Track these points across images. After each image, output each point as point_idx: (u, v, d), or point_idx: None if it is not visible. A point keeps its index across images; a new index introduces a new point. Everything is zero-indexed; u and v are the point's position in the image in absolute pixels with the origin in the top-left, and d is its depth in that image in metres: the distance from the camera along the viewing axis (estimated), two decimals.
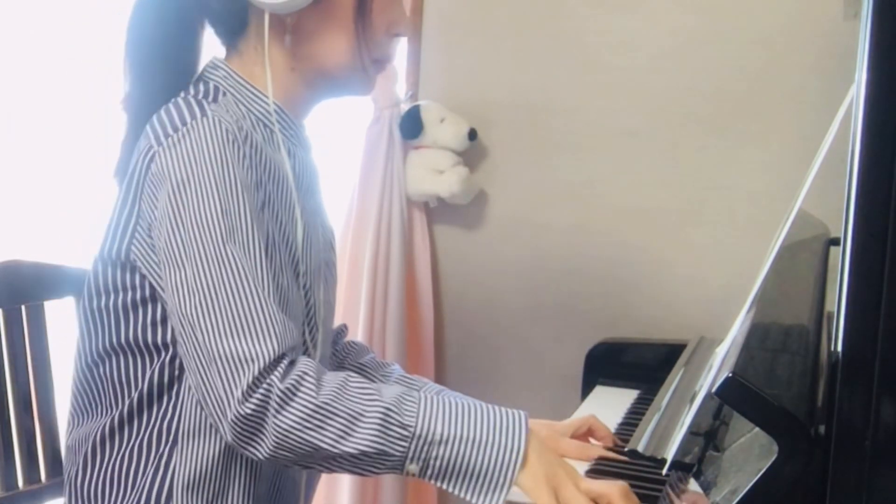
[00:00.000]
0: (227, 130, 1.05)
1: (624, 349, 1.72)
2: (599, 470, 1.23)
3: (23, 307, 1.44)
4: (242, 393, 0.98)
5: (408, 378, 1.37)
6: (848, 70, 1.02)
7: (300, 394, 0.99)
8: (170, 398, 1.13)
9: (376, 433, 0.99)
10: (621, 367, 1.70)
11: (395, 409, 1.00)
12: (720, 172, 2.02)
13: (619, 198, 2.11)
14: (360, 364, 1.40)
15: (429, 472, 1.01)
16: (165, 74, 1.17)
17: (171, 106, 1.10)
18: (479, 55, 2.19)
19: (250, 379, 0.98)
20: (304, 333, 1.17)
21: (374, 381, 1.34)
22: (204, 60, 1.21)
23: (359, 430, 0.99)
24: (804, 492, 0.90)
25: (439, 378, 2.30)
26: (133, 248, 1.10)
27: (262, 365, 0.98)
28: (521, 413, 1.04)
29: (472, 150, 2.20)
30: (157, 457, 1.13)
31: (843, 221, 0.87)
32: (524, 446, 1.01)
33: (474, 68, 2.21)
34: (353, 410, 0.99)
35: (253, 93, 1.17)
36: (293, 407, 0.98)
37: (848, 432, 0.86)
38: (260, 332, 1.00)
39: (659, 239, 2.08)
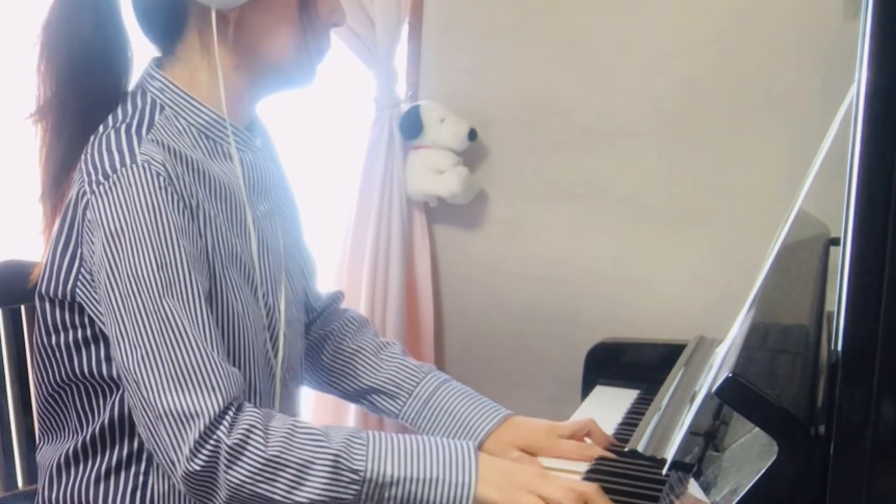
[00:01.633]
0: (157, 175, 1.02)
1: (624, 349, 1.72)
2: (599, 470, 1.23)
3: (23, 307, 1.44)
4: (190, 450, 0.98)
5: (408, 364, 1.33)
6: (848, 70, 1.02)
7: (249, 448, 0.99)
8: (132, 426, 1.10)
9: (327, 481, 0.99)
10: (621, 367, 1.70)
11: (345, 455, 1.00)
12: (720, 172, 2.02)
13: (619, 198, 2.11)
14: (357, 347, 1.36)
15: None
16: (91, 79, 1.12)
17: (103, 142, 1.06)
18: (479, 55, 2.19)
19: (196, 435, 0.98)
20: (265, 341, 1.16)
21: (366, 368, 1.33)
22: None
23: (310, 479, 0.99)
24: (804, 492, 0.90)
25: None
26: (78, 290, 1.08)
27: (207, 420, 0.98)
28: (470, 446, 1.05)
29: (472, 150, 2.20)
30: (133, 476, 1.12)
31: (843, 221, 0.87)
32: (474, 480, 1.02)
33: (474, 68, 2.21)
34: (303, 459, 0.99)
35: (193, 104, 1.13)
36: (243, 462, 0.98)
37: (848, 432, 0.86)
38: (203, 386, 0.99)
39: (659, 239, 2.08)
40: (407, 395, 1.30)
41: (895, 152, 0.82)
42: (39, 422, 1.21)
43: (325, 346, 1.37)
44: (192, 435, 0.98)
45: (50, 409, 1.17)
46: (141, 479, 1.12)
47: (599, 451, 1.25)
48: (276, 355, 1.18)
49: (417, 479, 1.01)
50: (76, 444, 1.14)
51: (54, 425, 1.18)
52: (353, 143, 2.25)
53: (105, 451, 1.13)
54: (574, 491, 1.03)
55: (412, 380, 1.31)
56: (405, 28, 2.19)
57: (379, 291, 2.20)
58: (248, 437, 0.99)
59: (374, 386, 1.33)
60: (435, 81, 2.24)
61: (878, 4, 0.81)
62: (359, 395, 1.35)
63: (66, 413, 1.16)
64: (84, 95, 1.12)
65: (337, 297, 1.43)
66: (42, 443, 1.21)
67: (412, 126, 2.17)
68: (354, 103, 2.30)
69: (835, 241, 1.55)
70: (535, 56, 2.14)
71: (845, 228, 0.86)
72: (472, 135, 2.16)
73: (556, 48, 2.12)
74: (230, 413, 1.00)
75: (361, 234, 2.22)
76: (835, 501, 0.87)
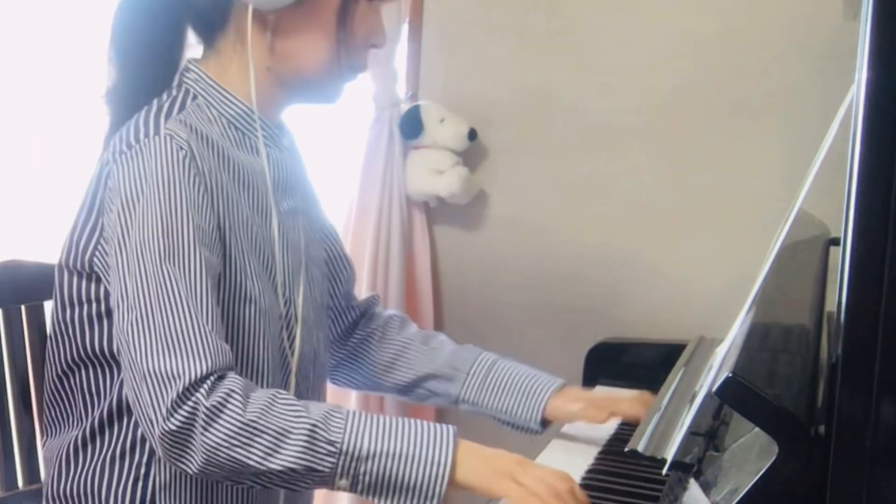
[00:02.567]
0: (178, 148, 1.06)
1: (624, 349, 1.72)
2: (599, 470, 1.23)
3: (23, 307, 1.44)
4: (167, 409, 0.99)
5: (458, 348, 1.40)
6: (848, 70, 1.02)
7: (227, 411, 0.99)
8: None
9: (303, 450, 1.00)
10: (621, 367, 1.70)
11: (322, 426, 1.01)
12: (720, 172, 2.02)
13: (619, 198, 2.11)
14: (406, 339, 1.42)
15: (359, 486, 1.02)
16: (151, 69, 1.17)
17: (132, 121, 1.11)
18: (479, 55, 2.19)
19: (174, 395, 0.99)
20: (281, 330, 1.17)
21: (419, 356, 1.40)
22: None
23: (286, 446, 1.00)
24: (804, 492, 0.90)
25: None
26: (95, 259, 1.11)
27: (187, 382, 0.99)
28: (451, 427, 1.05)
29: (472, 150, 2.20)
30: (135, 466, 1.14)
31: (843, 221, 0.87)
32: (451, 459, 1.02)
33: (474, 68, 2.21)
34: (280, 427, 1.00)
35: (224, 95, 1.17)
36: (220, 424, 0.99)
37: (848, 432, 0.86)
38: (189, 351, 1.00)
39: (659, 239, 2.08)
40: (466, 376, 1.36)
41: (895, 152, 0.82)
42: (46, 414, 1.22)
43: (371, 344, 1.41)
44: (171, 395, 0.99)
45: (57, 394, 1.19)
46: (143, 469, 1.13)
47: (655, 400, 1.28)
48: (290, 347, 1.19)
49: (393, 455, 1.02)
50: (82, 432, 1.15)
51: (60, 414, 1.19)
52: (353, 143, 2.25)
53: (109, 436, 1.14)
54: (551, 482, 1.04)
55: (467, 361, 1.38)
56: (405, 28, 2.19)
57: (379, 291, 2.20)
58: (227, 401, 1.00)
59: (430, 372, 1.38)
60: (435, 81, 2.24)
61: (878, 4, 0.81)
62: (414, 385, 1.39)
63: (72, 398, 1.17)
64: (148, 85, 1.16)
65: (374, 301, 1.48)
66: (46, 437, 1.22)
67: (412, 126, 2.17)
68: (354, 103, 2.29)
69: (835, 241, 1.55)
70: (535, 56, 2.14)
71: (845, 228, 0.86)
72: (472, 135, 2.16)
73: (556, 48, 2.12)
74: (212, 378, 1.01)
75: (361, 234, 2.22)
76: (835, 501, 0.87)
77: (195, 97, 1.15)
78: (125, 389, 1.07)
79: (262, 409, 1.00)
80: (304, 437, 1.00)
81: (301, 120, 2.26)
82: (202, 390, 1.00)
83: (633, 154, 2.08)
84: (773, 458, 0.90)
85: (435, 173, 2.17)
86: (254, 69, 1.15)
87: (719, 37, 1.98)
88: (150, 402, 1.00)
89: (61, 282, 1.15)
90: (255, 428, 1.00)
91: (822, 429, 0.92)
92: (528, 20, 2.13)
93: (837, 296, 0.91)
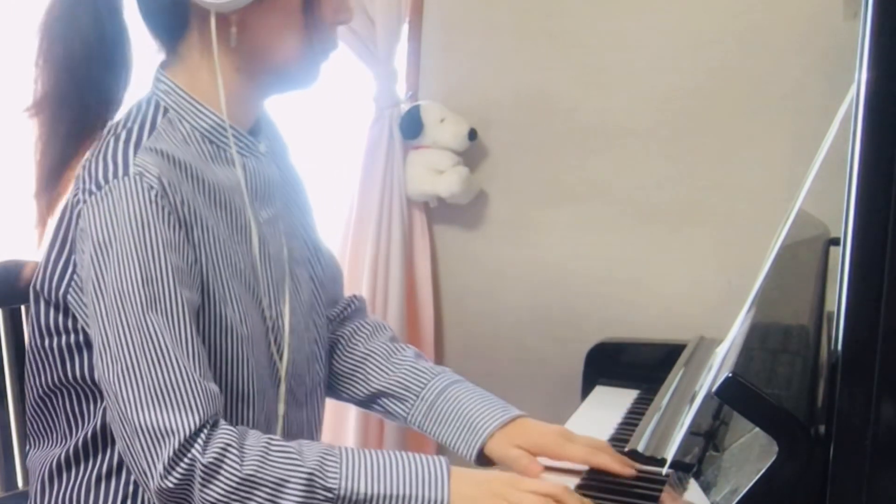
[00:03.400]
0: (148, 188, 1.02)
1: (624, 349, 1.72)
2: (598, 469, 1.23)
3: (23, 307, 1.44)
4: (164, 467, 0.98)
5: (419, 366, 1.31)
6: (848, 70, 1.02)
7: (224, 467, 0.99)
8: None
9: (302, 499, 1.00)
10: (621, 367, 1.70)
11: (319, 473, 1.00)
12: (720, 172, 2.02)
13: (619, 198, 2.11)
14: (368, 351, 1.35)
15: None
16: (94, 74, 1.11)
17: (102, 149, 1.06)
18: (479, 55, 2.19)
19: (170, 453, 0.98)
20: (269, 347, 1.16)
21: (376, 371, 1.32)
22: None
23: (284, 497, 0.99)
24: (804, 492, 0.90)
25: None
26: (70, 297, 1.08)
27: (182, 438, 0.98)
28: (443, 461, 1.05)
29: (472, 150, 2.20)
30: (123, 485, 1.12)
31: (843, 221, 0.87)
32: (447, 495, 1.02)
33: (474, 68, 2.21)
34: (277, 478, 0.99)
35: (196, 107, 1.12)
36: (219, 481, 0.98)
37: (848, 432, 0.86)
38: (181, 404, 0.99)
39: (659, 239, 2.08)
40: (414, 398, 1.29)
41: (895, 152, 0.82)
42: (29, 426, 1.20)
43: (335, 351, 1.36)
44: (167, 452, 0.98)
45: (40, 412, 1.17)
46: (131, 487, 1.12)
47: (608, 458, 1.18)
48: (280, 359, 1.17)
49: (390, 497, 1.01)
50: (66, 451, 1.13)
51: (43, 429, 1.17)
52: (353, 143, 2.25)
53: (94, 458, 1.13)
54: (545, 492, 1.03)
55: (420, 382, 1.30)
56: (405, 28, 2.19)
57: (379, 291, 2.20)
58: (224, 456, 0.99)
59: (383, 389, 1.31)
60: (435, 81, 2.24)
61: (878, 4, 0.81)
62: (369, 400, 1.34)
63: (55, 417, 1.15)
64: (82, 92, 1.11)
65: (351, 302, 1.41)
66: (30, 447, 1.21)
67: (412, 126, 2.17)
68: (354, 103, 2.30)
69: (835, 241, 1.55)
70: (535, 56, 2.14)
71: (845, 228, 0.86)
72: (472, 135, 2.16)
73: (556, 48, 2.12)
74: (205, 431, 1.00)
75: (362, 234, 2.22)
76: (835, 501, 0.87)
77: (166, 111, 1.11)
78: (116, 440, 1.05)
79: (258, 461, 1.00)
80: (302, 487, 1.00)
81: (301, 120, 2.27)
82: (197, 445, 0.99)
83: (633, 154, 2.08)
84: (773, 458, 0.90)
85: (435, 173, 2.17)
86: (223, 75, 1.10)
87: (719, 37, 1.98)
88: (143, 459, 0.99)
89: (37, 309, 1.12)
90: (252, 481, 0.99)
91: (822, 429, 0.92)
92: (528, 20, 2.13)
93: (837, 296, 0.91)
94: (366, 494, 1.01)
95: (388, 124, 2.19)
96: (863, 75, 0.83)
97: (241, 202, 1.13)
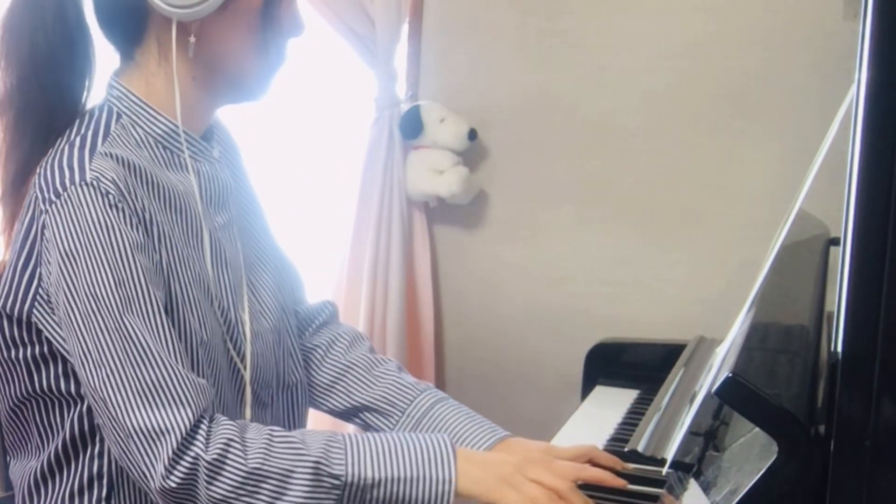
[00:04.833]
0: (106, 193, 1.01)
1: (624, 349, 1.72)
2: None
3: None
4: (165, 467, 0.97)
5: (403, 381, 1.29)
6: (848, 70, 1.02)
7: (229, 462, 0.98)
8: (93, 444, 1.10)
9: (309, 488, 0.99)
10: (621, 367, 1.70)
11: (325, 461, 1.00)
12: (720, 172, 2.02)
13: (618, 197, 2.11)
14: (349, 362, 1.32)
15: None
16: (58, 76, 1.10)
17: (57, 156, 1.05)
18: (479, 55, 2.19)
19: (170, 451, 0.97)
20: (227, 353, 1.14)
21: (358, 384, 1.29)
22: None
23: (292, 488, 0.99)
24: (804, 492, 0.90)
25: (439, 378, 2.30)
26: (35, 312, 1.06)
27: (180, 435, 0.98)
28: (447, 440, 1.05)
29: (472, 150, 2.20)
30: (95, 502, 1.11)
31: (843, 221, 0.87)
32: (454, 475, 1.02)
33: (474, 68, 2.21)
34: (284, 469, 0.99)
35: (150, 113, 1.11)
36: (224, 477, 0.98)
37: (848, 432, 0.86)
38: (172, 400, 0.99)
39: (659, 239, 2.08)
40: (400, 414, 1.26)
41: (895, 152, 0.82)
42: (6, 437, 1.18)
43: (312, 361, 1.33)
44: (166, 451, 0.97)
45: (13, 423, 1.15)
46: (104, 492, 1.10)
47: (594, 473, 1.15)
48: (245, 368, 1.16)
49: (398, 479, 1.02)
50: (42, 464, 1.12)
51: (19, 441, 1.16)
52: (353, 143, 2.25)
53: (67, 471, 1.11)
54: (550, 483, 1.03)
55: (406, 398, 1.27)
56: (405, 28, 2.19)
57: (379, 291, 2.20)
58: (227, 452, 0.99)
59: (366, 403, 1.29)
60: (435, 81, 2.24)
61: (878, 4, 0.81)
62: (350, 413, 1.31)
63: (28, 429, 1.14)
64: (46, 94, 1.10)
65: (324, 309, 1.37)
66: (10, 458, 1.19)
67: (412, 126, 2.17)
68: (354, 103, 2.30)
69: (835, 241, 1.55)
70: (535, 56, 2.14)
71: (845, 228, 0.86)
72: (472, 135, 2.16)
73: (555, 48, 2.12)
74: (203, 426, 0.99)
75: (362, 235, 2.22)
76: (835, 501, 0.87)
77: (119, 117, 1.10)
78: (110, 446, 1.04)
79: (263, 454, 1.00)
80: (309, 476, 0.99)
81: (301, 120, 2.27)
82: (198, 442, 0.98)
83: (633, 154, 2.08)
84: (773, 458, 0.90)
85: (435, 173, 2.18)
86: (180, 83, 1.10)
87: (719, 37, 1.98)
88: (142, 461, 0.98)
89: (0, 324, 1.10)
90: (259, 475, 0.99)
91: (822, 429, 0.92)
92: (528, 20, 2.14)
93: (837, 296, 0.91)
94: (373, 479, 1.01)
95: (388, 124, 2.19)
96: (863, 75, 0.83)
97: (195, 208, 1.13)
